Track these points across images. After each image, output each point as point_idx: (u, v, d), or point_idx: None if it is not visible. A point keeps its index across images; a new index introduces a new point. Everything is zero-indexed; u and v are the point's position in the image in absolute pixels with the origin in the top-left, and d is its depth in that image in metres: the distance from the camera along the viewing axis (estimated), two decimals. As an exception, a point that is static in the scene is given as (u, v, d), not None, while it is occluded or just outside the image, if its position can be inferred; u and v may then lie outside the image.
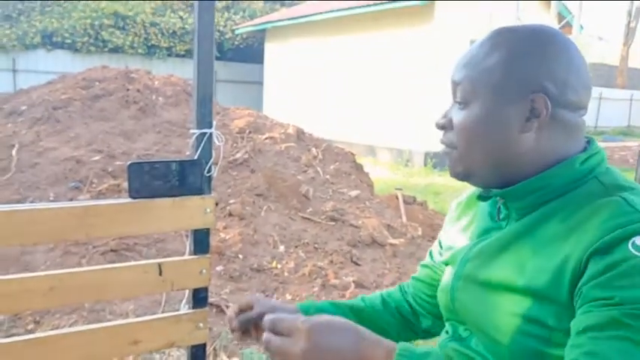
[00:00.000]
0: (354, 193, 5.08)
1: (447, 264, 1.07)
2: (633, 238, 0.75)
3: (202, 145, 1.50)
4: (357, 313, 1.18)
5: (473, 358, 0.94)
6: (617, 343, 0.72)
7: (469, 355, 0.94)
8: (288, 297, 3.47)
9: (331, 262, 3.95)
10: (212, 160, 1.53)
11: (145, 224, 1.50)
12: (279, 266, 3.83)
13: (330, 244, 4.19)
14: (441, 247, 1.15)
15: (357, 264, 4.01)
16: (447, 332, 1.04)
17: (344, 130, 12.25)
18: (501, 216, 0.97)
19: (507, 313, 0.86)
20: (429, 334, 1.22)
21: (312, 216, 4.54)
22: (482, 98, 0.89)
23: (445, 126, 0.96)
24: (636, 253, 0.74)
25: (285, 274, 3.76)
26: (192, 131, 1.50)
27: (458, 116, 0.93)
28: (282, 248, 4.05)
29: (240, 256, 3.84)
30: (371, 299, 1.22)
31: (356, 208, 4.81)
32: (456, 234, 1.08)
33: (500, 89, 0.88)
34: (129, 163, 1.40)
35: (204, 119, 1.51)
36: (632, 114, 22.07)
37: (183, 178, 1.47)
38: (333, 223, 4.49)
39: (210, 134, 1.51)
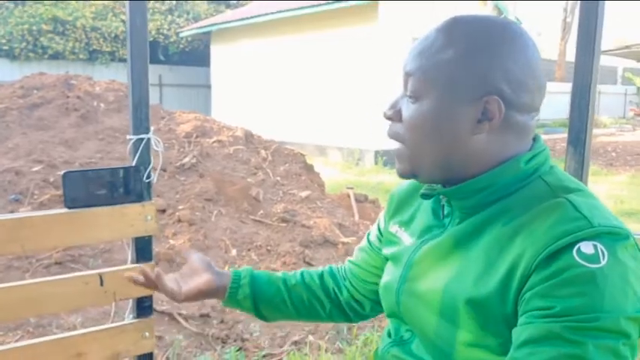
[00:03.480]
0: (304, 193, 5.07)
1: (388, 259, 1.06)
2: (578, 245, 0.74)
3: (140, 150, 1.47)
4: (290, 288, 1.18)
5: None
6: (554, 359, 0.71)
7: None
8: (241, 301, 3.44)
9: (284, 263, 3.94)
10: (151, 165, 1.50)
11: (83, 234, 1.46)
12: (231, 270, 3.80)
13: (282, 245, 4.17)
14: (380, 233, 1.14)
15: (309, 264, 4.01)
16: (389, 335, 1.03)
17: (294, 131, 12.24)
18: (445, 213, 0.95)
19: (451, 321, 0.85)
20: (364, 318, 1.22)
21: (264, 218, 4.51)
22: (435, 94, 0.85)
23: (393, 117, 0.92)
24: (580, 261, 0.73)
25: (238, 277, 3.73)
26: (128, 137, 1.46)
27: (408, 110, 0.89)
28: (234, 252, 4.01)
29: (191, 262, 3.78)
30: (310, 275, 1.21)
31: (307, 208, 4.81)
32: (397, 227, 1.06)
33: (454, 87, 0.84)
34: (63, 172, 1.36)
35: (142, 124, 1.48)
36: (572, 106, 22.84)
37: (121, 186, 1.43)
38: (284, 224, 4.47)
39: (148, 139, 1.48)
